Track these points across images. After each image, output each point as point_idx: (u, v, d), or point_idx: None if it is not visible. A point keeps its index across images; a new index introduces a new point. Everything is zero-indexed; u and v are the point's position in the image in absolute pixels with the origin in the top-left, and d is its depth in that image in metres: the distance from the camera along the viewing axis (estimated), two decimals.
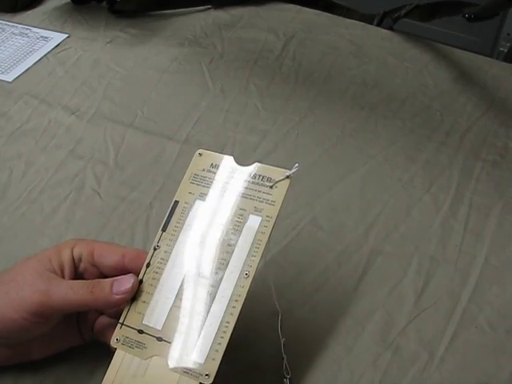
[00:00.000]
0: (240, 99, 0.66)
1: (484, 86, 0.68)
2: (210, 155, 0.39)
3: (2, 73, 0.70)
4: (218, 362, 0.33)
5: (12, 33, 0.77)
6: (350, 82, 0.69)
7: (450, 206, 0.53)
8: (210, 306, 0.34)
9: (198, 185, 0.38)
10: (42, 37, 0.76)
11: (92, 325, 0.39)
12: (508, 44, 1.39)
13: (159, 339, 0.34)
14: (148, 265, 0.37)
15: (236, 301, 0.34)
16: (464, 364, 0.41)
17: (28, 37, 0.76)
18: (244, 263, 0.35)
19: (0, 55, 0.73)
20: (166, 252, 0.37)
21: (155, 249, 0.37)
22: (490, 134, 0.61)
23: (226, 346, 0.33)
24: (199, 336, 0.34)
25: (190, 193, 0.38)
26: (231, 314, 0.34)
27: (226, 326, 0.34)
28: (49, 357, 0.39)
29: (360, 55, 0.73)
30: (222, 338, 0.33)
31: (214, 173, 0.38)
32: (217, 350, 0.33)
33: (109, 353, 0.36)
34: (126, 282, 0.35)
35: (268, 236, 0.35)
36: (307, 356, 0.41)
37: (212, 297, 0.34)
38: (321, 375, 0.40)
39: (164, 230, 0.37)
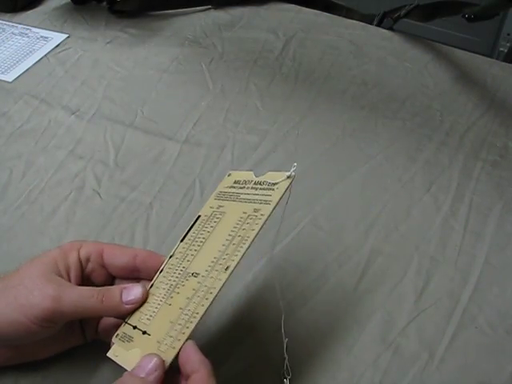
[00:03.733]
0: (240, 99, 0.66)
1: (484, 86, 0.68)
2: (236, 174, 0.41)
3: (2, 73, 0.70)
4: (177, 350, 0.33)
5: (12, 33, 0.77)
6: (350, 82, 0.69)
7: (450, 206, 0.53)
8: (190, 300, 0.35)
9: (218, 199, 0.40)
10: (42, 37, 0.76)
11: (96, 325, 0.39)
12: (508, 44, 1.39)
13: (144, 333, 0.35)
14: (161, 271, 0.38)
15: (210, 293, 0.34)
16: (464, 364, 0.41)
17: (28, 37, 0.76)
18: (228, 258, 0.35)
19: (0, 55, 0.73)
20: (177, 259, 0.38)
21: (171, 257, 0.38)
22: (489, 134, 0.61)
23: (188, 334, 0.33)
24: (172, 327, 0.34)
25: (210, 207, 0.40)
26: (202, 305, 0.34)
27: (195, 317, 0.34)
28: (49, 357, 0.39)
29: (360, 55, 0.73)
30: (187, 327, 0.33)
31: (235, 187, 0.40)
32: (179, 339, 0.33)
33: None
34: (136, 291, 0.36)
35: (256, 232, 0.35)
36: (307, 356, 0.41)
37: (194, 291, 0.35)
38: (321, 375, 0.40)
39: (182, 241, 0.39)
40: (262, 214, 0.36)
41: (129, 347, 0.35)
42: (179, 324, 0.34)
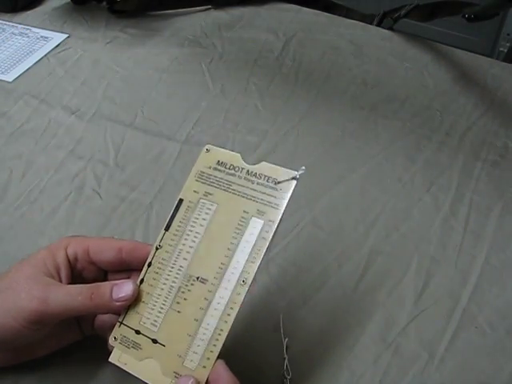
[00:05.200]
0: (240, 99, 0.66)
1: (484, 86, 0.68)
2: (217, 152, 0.38)
3: (2, 73, 0.70)
4: (209, 370, 0.33)
5: (12, 33, 0.77)
6: (350, 82, 0.69)
7: (450, 206, 0.53)
8: (206, 312, 0.34)
9: (203, 183, 0.37)
10: (42, 37, 0.76)
11: (92, 320, 0.38)
12: (508, 44, 1.39)
13: (154, 341, 0.34)
14: (149, 264, 0.36)
15: (231, 308, 0.34)
16: (464, 364, 0.41)
17: (28, 37, 0.76)
18: (242, 269, 0.34)
19: (0, 55, 0.73)
20: (167, 252, 0.36)
21: (157, 248, 0.37)
22: (489, 134, 0.61)
23: (217, 353, 0.33)
24: (192, 342, 0.34)
25: (194, 191, 0.37)
26: (225, 321, 0.33)
27: (219, 334, 0.33)
28: (48, 356, 0.38)
29: (360, 55, 0.73)
30: (214, 345, 0.33)
31: (220, 171, 0.37)
32: (208, 358, 0.33)
33: (109, 352, 0.36)
34: (126, 288, 0.35)
35: (268, 242, 0.35)
36: (307, 356, 0.41)
37: (208, 302, 0.34)
38: (321, 375, 0.40)
39: (167, 229, 0.37)
40: (270, 221, 0.35)
41: (139, 356, 0.34)
42: (201, 339, 0.33)
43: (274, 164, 0.37)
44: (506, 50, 1.38)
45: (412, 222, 0.51)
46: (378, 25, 0.80)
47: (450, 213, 0.52)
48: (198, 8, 0.83)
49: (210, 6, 0.83)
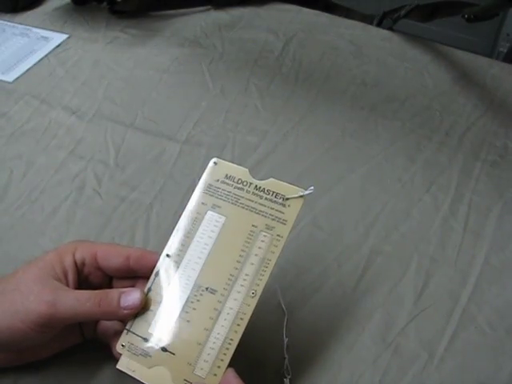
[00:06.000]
0: (240, 99, 0.66)
1: (484, 86, 0.68)
2: (225, 165, 0.39)
3: (3, 73, 0.70)
4: (220, 377, 0.34)
5: (13, 33, 0.77)
6: (349, 82, 0.69)
7: (450, 206, 0.53)
8: (216, 322, 0.35)
9: (211, 195, 0.38)
10: (42, 37, 0.76)
11: (94, 325, 0.39)
12: (508, 44, 1.39)
13: (163, 349, 0.35)
14: (157, 273, 0.37)
15: (241, 319, 0.34)
16: (464, 364, 0.41)
17: (28, 37, 0.76)
18: (252, 282, 0.35)
19: (0, 55, 0.73)
20: (175, 262, 0.37)
21: (165, 257, 0.37)
22: (489, 134, 0.61)
23: (228, 361, 0.34)
24: (203, 350, 0.34)
25: (202, 203, 0.38)
26: (235, 331, 0.34)
27: (230, 343, 0.34)
28: (49, 357, 0.39)
29: (360, 55, 0.73)
30: (224, 354, 0.34)
31: (229, 184, 0.38)
32: (219, 366, 0.34)
33: (110, 354, 0.36)
34: (134, 296, 0.35)
35: (277, 256, 0.36)
36: (307, 356, 0.41)
37: (218, 312, 0.35)
38: (321, 375, 0.40)
39: (174, 239, 0.37)
40: (278, 235, 0.36)
41: (148, 364, 0.35)
42: (212, 348, 0.34)
43: (284, 181, 0.38)
44: (505, 50, 1.38)
45: (412, 222, 0.51)
46: (378, 25, 0.80)
47: (449, 213, 0.52)
48: (198, 8, 0.83)
49: (209, 7, 0.83)
